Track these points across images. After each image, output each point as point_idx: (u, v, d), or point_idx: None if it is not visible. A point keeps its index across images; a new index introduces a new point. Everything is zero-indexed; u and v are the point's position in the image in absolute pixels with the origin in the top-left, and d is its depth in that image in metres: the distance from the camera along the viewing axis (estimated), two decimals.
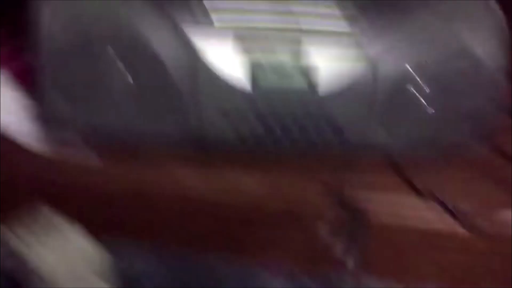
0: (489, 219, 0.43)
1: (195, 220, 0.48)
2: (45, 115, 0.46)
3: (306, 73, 0.41)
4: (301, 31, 0.42)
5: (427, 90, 0.43)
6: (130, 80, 0.42)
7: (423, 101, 0.43)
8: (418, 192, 0.46)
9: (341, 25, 0.42)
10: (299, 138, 0.43)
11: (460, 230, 0.43)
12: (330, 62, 0.41)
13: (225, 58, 0.41)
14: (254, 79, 0.41)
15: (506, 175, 0.47)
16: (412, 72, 0.42)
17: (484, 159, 0.49)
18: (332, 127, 0.43)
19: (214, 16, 0.41)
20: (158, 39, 0.41)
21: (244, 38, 0.41)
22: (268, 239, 0.48)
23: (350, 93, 0.41)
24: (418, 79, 0.42)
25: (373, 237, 0.44)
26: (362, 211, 0.44)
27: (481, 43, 0.42)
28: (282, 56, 0.41)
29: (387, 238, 0.46)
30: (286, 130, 0.43)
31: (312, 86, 0.41)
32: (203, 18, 0.41)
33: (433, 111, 0.43)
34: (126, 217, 0.49)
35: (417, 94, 0.43)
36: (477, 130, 0.45)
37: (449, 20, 0.43)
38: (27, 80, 0.47)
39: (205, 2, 0.41)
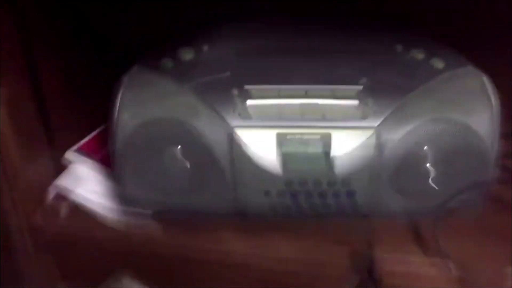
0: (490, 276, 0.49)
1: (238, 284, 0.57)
2: (120, 194, 0.56)
3: (321, 140, 0.50)
4: (320, 108, 0.50)
5: (428, 155, 0.50)
6: (187, 165, 0.52)
7: (424, 164, 0.50)
8: (427, 251, 0.52)
9: (352, 103, 0.50)
10: (319, 203, 0.51)
11: None
12: (342, 131, 0.50)
13: (261, 144, 0.50)
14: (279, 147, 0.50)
15: (504, 233, 0.53)
16: (413, 142, 0.49)
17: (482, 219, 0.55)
18: (342, 183, 0.50)
19: (253, 112, 0.50)
20: (209, 131, 0.50)
21: (273, 116, 0.50)
22: None
23: (358, 155, 0.49)
24: (418, 147, 0.50)
25: None
26: (377, 272, 0.50)
27: (475, 119, 0.49)
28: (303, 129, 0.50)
29: None
30: (305, 187, 0.51)
31: (329, 159, 0.50)
32: (245, 113, 0.50)
33: (434, 173, 0.51)
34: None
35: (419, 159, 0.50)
36: (474, 194, 0.52)
37: (446, 101, 0.50)
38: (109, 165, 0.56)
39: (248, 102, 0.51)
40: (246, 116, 0.50)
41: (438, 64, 0.54)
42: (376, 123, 0.49)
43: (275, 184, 0.51)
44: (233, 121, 0.50)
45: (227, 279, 0.57)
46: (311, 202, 0.52)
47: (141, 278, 0.55)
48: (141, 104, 0.52)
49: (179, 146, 0.51)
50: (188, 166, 0.52)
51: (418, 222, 0.56)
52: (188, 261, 0.56)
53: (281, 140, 0.50)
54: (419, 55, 0.55)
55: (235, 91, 0.51)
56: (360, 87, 0.51)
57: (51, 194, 0.62)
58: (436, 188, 0.52)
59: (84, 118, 0.68)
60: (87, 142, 0.68)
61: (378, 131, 0.49)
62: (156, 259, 0.57)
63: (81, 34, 0.69)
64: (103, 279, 0.54)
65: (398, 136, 0.49)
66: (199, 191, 0.52)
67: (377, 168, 0.50)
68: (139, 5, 0.74)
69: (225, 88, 0.52)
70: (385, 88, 0.51)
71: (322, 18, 0.66)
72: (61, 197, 0.62)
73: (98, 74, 0.65)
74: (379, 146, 0.49)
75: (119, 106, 0.52)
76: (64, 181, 0.62)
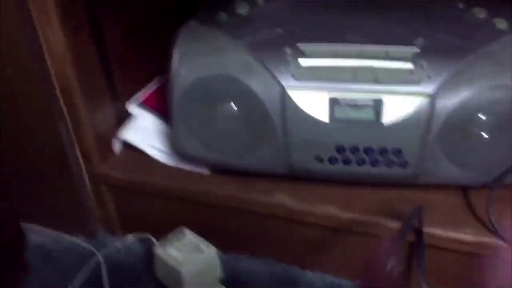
0: None
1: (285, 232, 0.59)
2: (177, 151, 0.59)
3: (374, 106, 0.50)
4: (373, 71, 0.50)
5: (483, 124, 0.49)
6: (240, 122, 0.53)
7: (479, 133, 0.50)
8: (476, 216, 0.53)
9: (406, 66, 0.50)
10: (366, 160, 0.52)
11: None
12: (394, 97, 0.50)
13: (309, 97, 0.51)
14: (331, 112, 0.51)
15: None
16: (469, 109, 0.49)
17: None
18: (393, 150, 0.51)
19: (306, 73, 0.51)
20: (262, 89, 0.51)
21: (325, 78, 0.50)
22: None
23: (410, 122, 0.50)
24: (474, 115, 0.49)
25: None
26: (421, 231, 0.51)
27: None
28: (355, 93, 0.50)
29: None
30: (356, 154, 0.52)
31: (378, 117, 0.50)
32: (297, 74, 0.51)
33: (489, 143, 0.50)
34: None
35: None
36: None
37: (507, 66, 0.49)
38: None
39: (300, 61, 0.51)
40: (299, 77, 0.51)
41: (501, 24, 0.52)
42: (430, 89, 0.49)
43: (327, 150, 0.52)
44: (286, 81, 0.51)
45: (272, 231, 0.60)
46: (362, 169, 0.52)
47: (194, 226, 0.59)
48: (197, 59, 0.53)
49: (233, 103, 0.53)
50: (241, 123, 0.53)
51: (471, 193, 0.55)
52: (236, 210, 0.59)
53: (334, 105, 0.50)
54: (481, 14, 0.53)
55: (288, 50, 0.52)
56: (416, 49, 0.50)
57: (115, 144, 0.66)
58: (491, 157, 0.51)
59: (145, 69, 0.70)
60: (149, 95, 0.69)
61: (432, 98, 0.49)
62: (208, 208, 0.61)
63: None
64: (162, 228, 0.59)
65: (453, 103, 0.49)
66: (252, 150, 0.54)
67: (430, 137, 0.50)
68: None
69: (279, 46, 0.52)
70: (442, 50, 0.50)
71: None
72: (125, 147, 0.65)
73: (157, 27, 0.66)
74: (433, 114, 0.49)
75: (176, 60, 0.54)
76: (127, 133, 0.65)
